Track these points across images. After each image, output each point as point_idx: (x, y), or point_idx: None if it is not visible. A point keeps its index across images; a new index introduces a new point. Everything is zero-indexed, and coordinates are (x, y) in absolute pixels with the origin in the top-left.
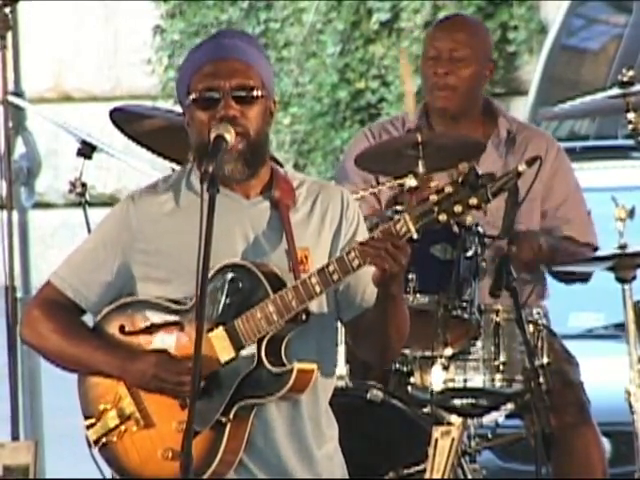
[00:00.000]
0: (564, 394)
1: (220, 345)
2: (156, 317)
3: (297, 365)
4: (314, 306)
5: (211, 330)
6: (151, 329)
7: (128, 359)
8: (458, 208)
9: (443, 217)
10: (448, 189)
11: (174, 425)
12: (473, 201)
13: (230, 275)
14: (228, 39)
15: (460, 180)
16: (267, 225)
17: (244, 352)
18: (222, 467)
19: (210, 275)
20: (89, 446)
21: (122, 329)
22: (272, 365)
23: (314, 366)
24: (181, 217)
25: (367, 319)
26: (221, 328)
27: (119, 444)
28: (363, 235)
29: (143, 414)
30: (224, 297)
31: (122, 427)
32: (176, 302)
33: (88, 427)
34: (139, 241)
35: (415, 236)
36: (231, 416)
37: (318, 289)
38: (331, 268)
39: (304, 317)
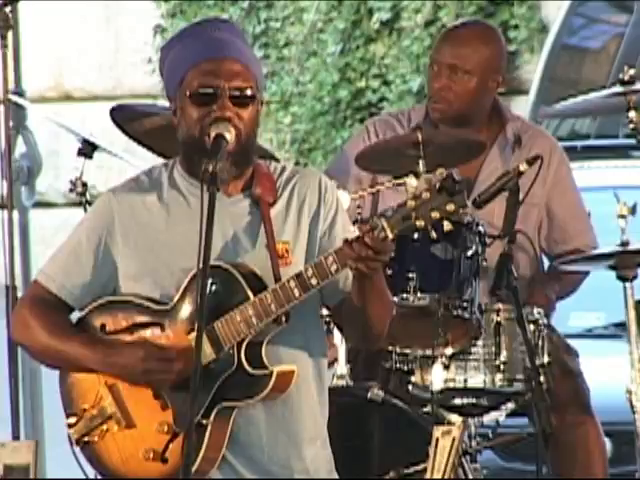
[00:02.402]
0: (563, 383)
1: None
2: (137, 317)
3: (276, 368)
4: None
5: (191, 331)
6: (132, 329)
7: (114, 352)
8: (435, 214)
9: (421, 223)
10: (425, 195)
11: (155, 426)
12: (450, 207)
13: (210, 277)
14: (221, 32)
15: (437, 186)
16: (247, 222)
17: (224, 354)
18: (205, 465)
19: (189, 277)
20: (71, 445)
21: (103, 328)
22: (252, 368)
23: (294, 367)
24: (163, 213)
25: (349, 303)
26: None
27: (101, 444)
28: (343, 220)
29: (124, 414)
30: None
31: (104, 427)
32: (157, 302)
33: (70, 426)
34: (120, 235)
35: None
36: (211, 418)
37: (297, 293)
38: (309, 272)
39: (284, 319)
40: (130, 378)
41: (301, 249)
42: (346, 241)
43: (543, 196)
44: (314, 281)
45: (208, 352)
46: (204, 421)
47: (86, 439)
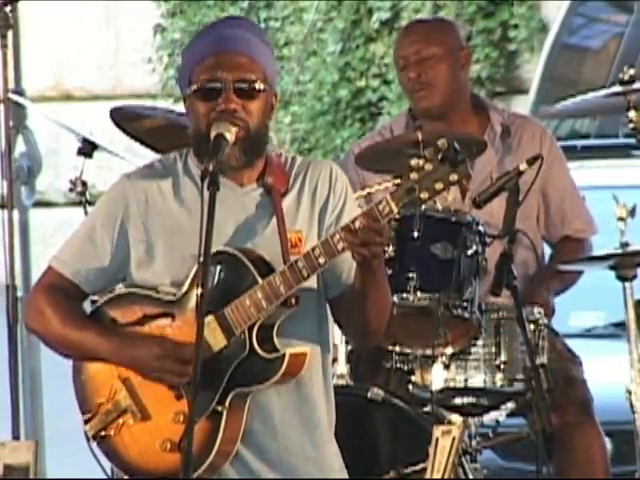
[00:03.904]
0: (567, 392)
1: (211, 334)
2: (147, 309)
3: (289, 350)
4: (308, 285)
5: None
6: (143, 321)
7: (129, 345)
8: (439, 185)
9: (425, 195)
10: (428, 167)
11: (170, 416)
12: (454, 177)
13: (218, 263)
14: (232, 29)
15: (439, 157)
16: (259, 212)
17: (235, 340)
18: (219, 458)
19: (198, 266)
20: (87, 441)
21: (114, 322)
22: (264, 351)
23: (306, 349)
24: (177, 200)
25: (349, 296)
26: (211, 317)
27: (117, 438)
28: (351, 211)
29: (139, 407)
30: (213, 285)
31: (119, 420)
32: (166, 292)
33: (86, 422)
34: (134, 219)
35: (397, 215)
36: (227, 404)
37: (305, 273)
38: (317, 252)
39: (293, 301)
40: (142, 372)
41: (313, 239)
42: (352, 222)
43: (538, 182)
44: (322, 260)
45: (219, 338)
46: (219, 408)
47: (102, 434)
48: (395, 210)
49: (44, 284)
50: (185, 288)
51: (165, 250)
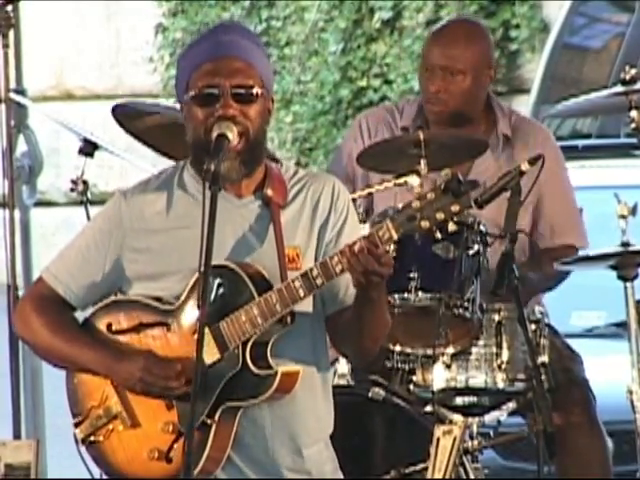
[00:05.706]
0: (569, 392)
1: (205, 347)
2: (143, 317)
3: (281, 368)
4: (305, 302)
5: (196, 332)
6: (138, 328)
7: (115, 359)
8: (440, 215)
9: (425, 224)
10: (430, 196)
11: (160, 425)
12: (455, 208)
13: (216, 277)
14: (228, 35)
15: (442, 187)
16: (258, 225)
17: (229, 354)
18: (210, 465)
19: (195, 277)
20: (77, 444)
21: (109, 327)
22: (257, 368)
23: (298, 368)
24: (172, 216)
25: (345, 316)
26: (206, 330)
27: (106, 443)
28: (352, 228)
29: (129, 414)
30: (210, 299)
31: (109, 426)
32: (164, 302)
33: (76, 425)
34: (130, 238)
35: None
36: (216, 418)
37: (302, 293)
38: (314, 272)
39: (289, 320)
40: (128, 385)
41: (311, 254)
42: (352, 245)
43: (537, 192)
44: (319, 281)
45: (213, 352)
46: (209, 421)
47: (92, 438)
48: (395, 237)
49: (34, 294)
50: (182, 299)
51: (163, 268)
